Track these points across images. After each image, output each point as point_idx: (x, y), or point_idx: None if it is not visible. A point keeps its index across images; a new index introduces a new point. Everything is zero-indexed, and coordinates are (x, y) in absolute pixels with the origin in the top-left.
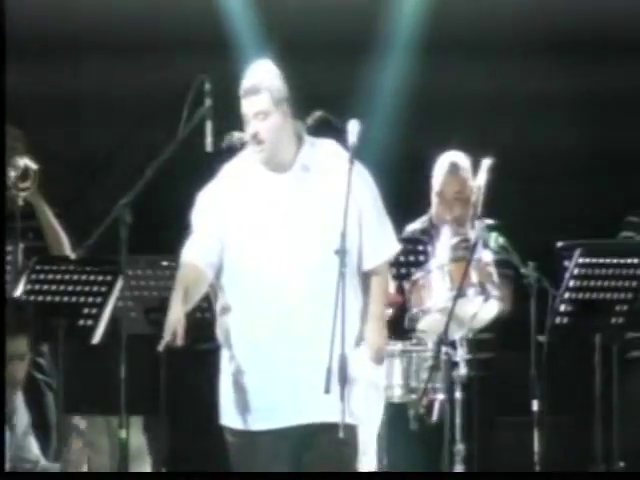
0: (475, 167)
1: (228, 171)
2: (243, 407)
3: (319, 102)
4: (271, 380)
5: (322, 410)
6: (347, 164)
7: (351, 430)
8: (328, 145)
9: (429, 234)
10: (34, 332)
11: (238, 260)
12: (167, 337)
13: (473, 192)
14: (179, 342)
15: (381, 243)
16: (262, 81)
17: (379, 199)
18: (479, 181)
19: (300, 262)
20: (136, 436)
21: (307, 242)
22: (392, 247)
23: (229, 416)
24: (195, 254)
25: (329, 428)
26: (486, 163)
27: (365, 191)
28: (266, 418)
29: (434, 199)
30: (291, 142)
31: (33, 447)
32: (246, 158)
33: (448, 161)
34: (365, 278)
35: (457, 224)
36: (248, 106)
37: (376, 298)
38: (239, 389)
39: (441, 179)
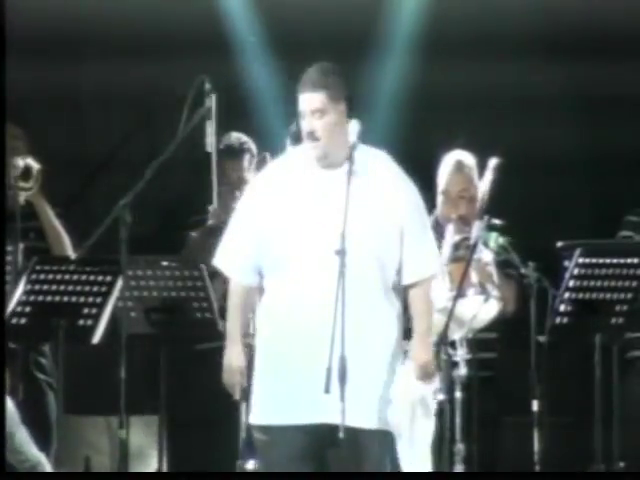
0: (480, 166)
1: (281, 162)
2: (274, 403)
3: None
4: (306, 378)
5: (363, 415)
6: (394, 175)
7: (384, 437)
8: (379, 153)
9: (435, 233)
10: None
11: (276, 251)
12: (237, 395)
13: (478, 190)
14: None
15: (422, 259)
16: (320, 79)
17: (425, 213)
18: (485, 180)
19: (334, 260)
20: (136, 436)
21: (344, 240)
22: (433, 265)
23: (260, 414)
24: (242, 272)
25: (365, 433)
26: (493, 162)
27: (410, 204)
28: (297, 413)
29: (439, 198)
30: (345, 143)
31: (23, 448)
32: (301, 153)
33: (453, 159)
34: (406, 292)
35: (462, 222)
36: (305, 103)
37: (419, 313)
38: (272, 387)
39: (446, 177)
